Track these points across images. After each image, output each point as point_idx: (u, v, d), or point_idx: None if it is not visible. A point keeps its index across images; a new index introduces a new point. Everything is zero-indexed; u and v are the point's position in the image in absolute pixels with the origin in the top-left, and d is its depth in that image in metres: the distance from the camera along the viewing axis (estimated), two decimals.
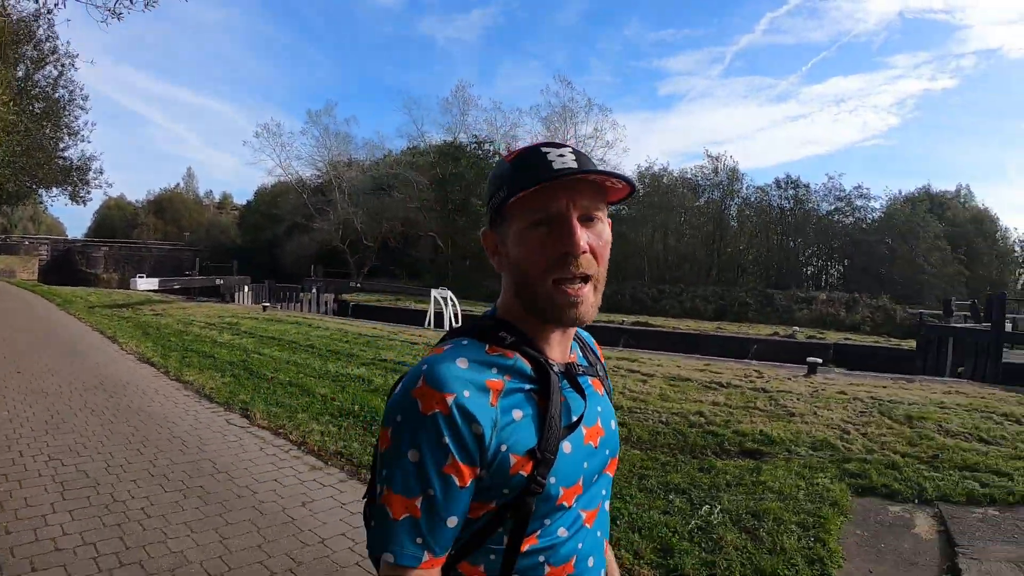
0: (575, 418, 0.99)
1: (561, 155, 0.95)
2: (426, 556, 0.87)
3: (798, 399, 7.87)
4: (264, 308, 20.41)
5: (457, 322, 17.28)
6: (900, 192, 48.71)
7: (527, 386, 0.96)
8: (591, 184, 0.96)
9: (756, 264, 45.76)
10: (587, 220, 0.96)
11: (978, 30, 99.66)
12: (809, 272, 46.44)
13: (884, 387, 9.12)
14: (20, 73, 20.16)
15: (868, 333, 27.28)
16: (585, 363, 1.14)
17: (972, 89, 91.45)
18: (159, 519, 4.07)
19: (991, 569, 3.65)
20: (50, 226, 77.95)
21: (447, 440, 0.85)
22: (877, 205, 45.75)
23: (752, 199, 47.44)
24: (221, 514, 4.20)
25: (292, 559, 3.59)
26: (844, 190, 45.64)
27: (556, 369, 0.99)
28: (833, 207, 45.96)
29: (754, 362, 12.62)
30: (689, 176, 47.39)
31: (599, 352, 1.27)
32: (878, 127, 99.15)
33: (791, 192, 46.78)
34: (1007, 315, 16.73)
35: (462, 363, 0.92)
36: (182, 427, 6.33)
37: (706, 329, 25.53)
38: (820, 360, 10.59)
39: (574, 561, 1.00)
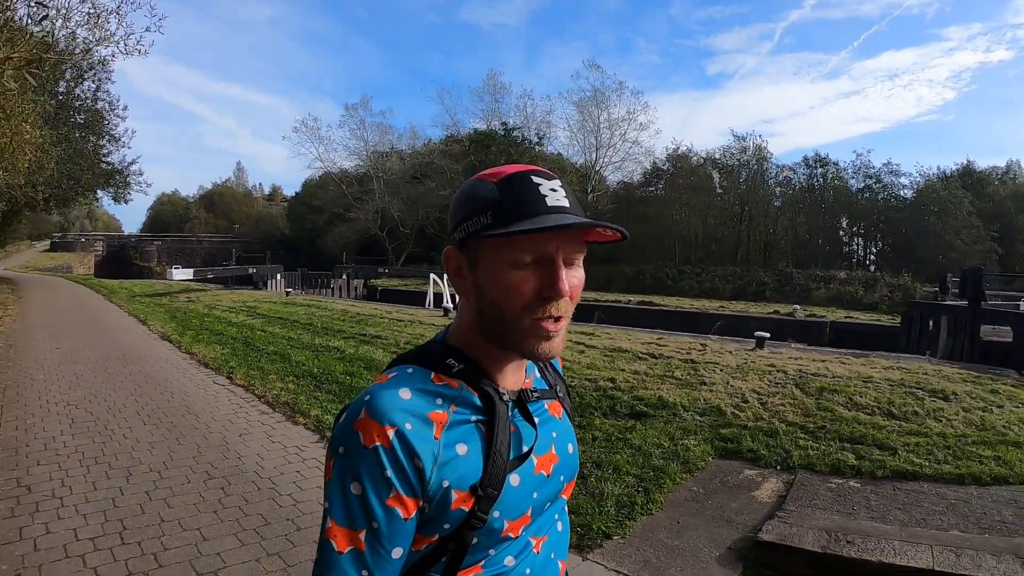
0: (525, 449, 0.97)
1: (553, 189, 0.91)
2: None
3: (720, 370, 8.24)
4: (287, 293, 22.32)
5: (454, 303, 18.58)
6: (938, 168, 48.33)
7: (474, 417, 0.93)
8: (577, 229, 0.91)
9: (783, 244, 46.01)
10: (568, 264, 0.92)
11: None
12: (838, 251, 46.08)
13: (823, 362, 9.10)
14: (62, 88, 22.34)
15: (885, 312, 27.22)
16: (543, 385, 1.11)
17: None
18: (132, 440, 5.65)
19: (792, 533, 3.66)
20: (107, 223, 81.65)
21: (389, 473, 0.84)
22: (906, 182, 45.45)
23: (780, 178, 47.74)
24: (177, 438, 5.75)
25: (212, 465, 5.10)
26: (874, 167, 45.40)
27: (506, 398, 0.97)
28: (863, 185, 45.79)
29: (713, 337, 12.89)
30: (718, 157, 47.83)
31: (560, 369, 1.24)
32: (933, 102, 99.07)
33: (819, 171, 46.88)
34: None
35: (405, 393, 0.90)
36: (175, 385, 7.96)
37: (708, 308, 26.27)
38: (768, 335, 11.29)
39: None
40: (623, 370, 8.27)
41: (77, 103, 25.26)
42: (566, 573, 1.13)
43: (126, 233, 72.87)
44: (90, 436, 5.74)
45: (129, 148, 34.36)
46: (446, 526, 0.90)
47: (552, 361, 1.18)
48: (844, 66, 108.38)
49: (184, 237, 62.28)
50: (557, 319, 0.92)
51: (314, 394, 7.36)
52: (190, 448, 5.48)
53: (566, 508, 1.15)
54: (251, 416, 6.58)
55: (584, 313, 20.15)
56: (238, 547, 3.66)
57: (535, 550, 1.02)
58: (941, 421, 6.13)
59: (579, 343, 10.41)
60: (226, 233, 66.46)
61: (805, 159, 47.53)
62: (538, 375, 1.12)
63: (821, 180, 46.60)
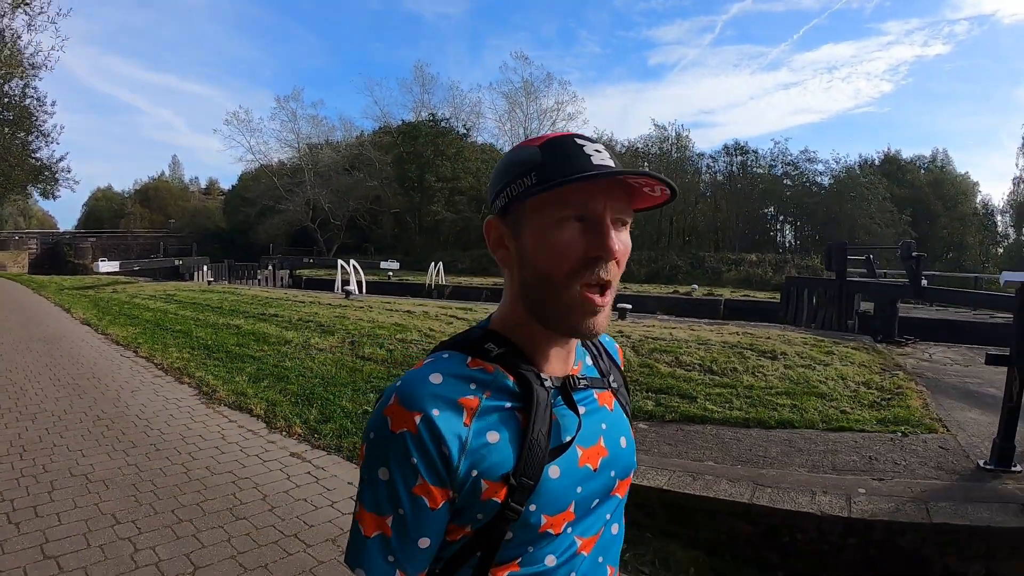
0: (567, 439, 0.91)
1: (598, 150, 0.88)
2: (398, 575, 0.85)
3: None
4: (209, 283, 23.48)
5: (361, 291, 19.79)
6: (860, 156, 51.22)
7: (509, 404, 0.89)
8: (625, 188, 0.88)
9: (702, 229, 48.37)
10: (617, 225, 0.88)
11: None
12: (763, 237, 48.61)
13: (672, 329, 9.96)
14: None
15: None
16: (594, 373, 1.06)
17: (966, 55, 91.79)
18: (42, 396, 7.01)
19: None
20: (41, 220, 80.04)
21: (415, 460, 0.82)
22: (822, 168, 48.04)
23: (701, 166, 50.01)
24: (79, 394, 7.13)
25: (103, 411, 6.52)
26: (791, 155, 47.84)
27: (548, 384, 0.92)
28: (781, 172, 48.12)
29: None
30: (639, 147, 49.83)
31: (620, 358, 1.19)
32: (871, 94, 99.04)
33: (739, 159, 49.25)
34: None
35: (436, 378, 0.87)
36: (86, 358, 9.30)
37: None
38: (630, 306, 12.78)
39: None
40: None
41: (5, 100, 25.84)
42: None
43: (61, 230, 71.70)
44: (6, 395, 7.06)
45: (58, 144, 34.76)
46: (479, 516, 0.86)
47: (610, 349, 1.16)
48: (784, 58, 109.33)
49: (118, 233, 61.81)
50: (603, 291, 0.88)
51: (204, 361, 8.75)
52: (88, 400, 6.87)
53: (623, 510, 1.08)
54: (145, 378, 7.96)
55: (498, 296, 21.50)
56: (107, 460, 5.03)
57: (582, 551, 0.96)
58: (756, 376, 6.89)
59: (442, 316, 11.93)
60: (161, 228, 66.15)
61: (725, 147, 50.01)
62: (589, 362, 1.07)
63: (740, 168, 49.01)
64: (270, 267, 34.54)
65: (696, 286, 27.55)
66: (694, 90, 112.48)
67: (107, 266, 27.65)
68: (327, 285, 26.95)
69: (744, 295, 26.58)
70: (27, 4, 20.08)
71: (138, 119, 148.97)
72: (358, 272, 20.07)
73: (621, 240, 0.88)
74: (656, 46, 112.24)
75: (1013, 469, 4.29)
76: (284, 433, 5.74)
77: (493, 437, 0.86)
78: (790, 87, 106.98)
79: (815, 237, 44.48)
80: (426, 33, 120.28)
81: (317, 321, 11.48)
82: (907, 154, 52.64)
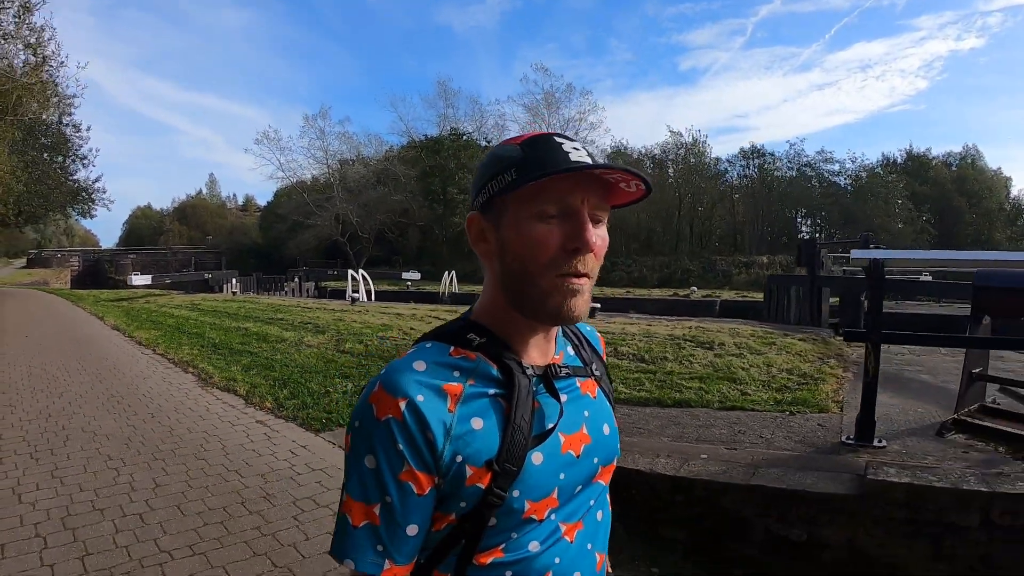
0: (549, 426, 0.93)
1: (576, 148, 0.91)
2: (387, 564, 0.86)
3: None
4: (234, 294, 25.18)
5: (370, 299, 21.22)
6: (882, 155, 51.75)
7: (492, 390, 0.91)
8: (602, 184, 0.91)
9: (719, 233, 49.04)
10: (594, 220, 0.91)
11: None
12: (782, 238, 48.50)
13: (629, 325, 10.28)
14: (27, 117, 25.17)
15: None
16: (576, 362, 1.08)
17: (1001, 48, 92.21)
18: (69, 382, 8.46)
19: None
20: (83, 238, 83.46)
21: (401, 446, 0.84)
22: (837, 168, 48.63)
23: (720, 170, 50.70)
24: (100, 380, 8.57)
25: (117, 392, 7.93)
26: (808, 156, 48.74)
27: (529, 372, 0.95)
28: (798, 174, 48.95)
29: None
30: (657, 154, 50.83)
31: (602, 348, 1.22)
32: (906, 91, 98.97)
33: (756, 162, 49.92)
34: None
35: (420, 366, 0.89)
36: (111, 354, 10.81)
37: (616, 294, 28.86)
38: (599, 305, 13.80)
39: None
40: None
41: (43, 127, 28.00)
42: (605, 566, 1.09)
43: (102, 247, 74.73)
44: (40, 380, 8.56)
45: (94, 166, 37.08)
46: (463, 504, 0.88)
47: (592, 339, 1.19)
48: (816, 59, 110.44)
49: (158, 249, 64.67)
50: (584, 278, 0.91)
51: (210, 356, 10.14)
52: (106, 384, 8.30)
53: (607, 497, 1.10)
54: (157, 369, 9.39)
55: None
56: (112, 423, 6.41)
57: (567, 537, 0.97)
58: (682, 363, 7.28)
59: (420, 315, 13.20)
60: (199, 244, 68.74)
61: (742, 151, 50.80)
62: (571, 352, 1.09)
63: (757, 171, 49.64)
64: (296, 279, 36.24)
65: (695, 288, 28.52)
66: (727, 94, 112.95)
67: (140, 279, 29.75)
68: (344, 294, 28.53)
69: (742, 295, 27.34)
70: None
71: (178, 138, 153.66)
72: (367, 281, 21.45)
73: (598, 234, 0.91)
74: (687, 51, 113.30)
75: (876, 444, 4.38)
76: (257, 407, 7.05)
77: (477, 423, 0.87)
78: (824, 88, 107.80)
79: (835, 237, 44.84)
80: (457, 46, 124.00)
81: (315, 323, 12.82)
82: (938, 151, 52.59)
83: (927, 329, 11.87)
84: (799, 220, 50.97)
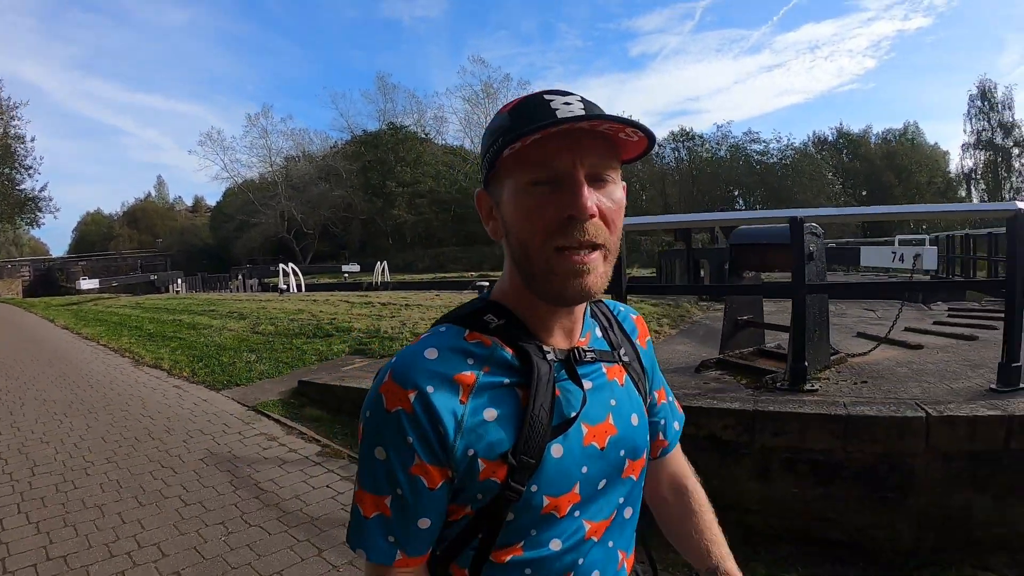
0: (570, 415, 0.88)
1: (567, 103, 0.83)
2: (399, 555, 0.85)
3: (407, 308, 13.05)
4: (177, 293, 26.87)
5: (300, 290, 23.00)
6: (813, 133, 54.23)
7: (508, 379, 0.87)
8: (601, 138, 0.83)
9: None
10: (596, 180, 0.83)
11: None
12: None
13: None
14: None
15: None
16: (603, 346, 1.01)
17: (947, 26, 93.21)
18: (23, 367, 10.32)
19: (326, 377, 8.66)
20: (33, 248, 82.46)
21: (411, 440, 0.81)
22: (761, 148, 50.62)
23: (653, 153, 52.41)
24: (51, 364, 10.43)
25: (64, 372, 9.82)
26: (736, 136, 50.88)
27: (550, 357, 0.89)
28: (725, 155, 51.02)
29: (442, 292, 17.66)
30: None
31: (638, 329, 1.13)
32: (854, 71, 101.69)
33: (686, 144, 52.02)
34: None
35: (431, 353, 0.86)
36: (60, 347, 12.67)
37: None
38: (487, 283, 15.68)
39: None
40: (349, 312, 12.90)
41: None
42: (634, 569, 1.05)
43: (53, 256, 74.65)
44: (2, 369, 10.37)
45: (39, 174, 37.91)
46: (479, 496, 0.84)
47: (623, 320, 1.11)
48: (765, 41, 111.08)
49: (108, 255, 65.05)
50: (591, 250, 0.83)
51: (144, 343, 12.04)
52: (56, 369, 10.18)
53: (639, 494, 1.03)
54: (99, 356, 11.29)
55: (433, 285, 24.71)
56: (60, 393, 8.31)
57: (591, 536, 0.92)
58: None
59: (368, 302, 15.04)
60: (150, 248, 69.23)
61: (672, 134, 52.73)
62: (599, 334, 1.02)
63: (687, 154, 51.77)
64: (240, 277, 37.76)
65: None
66: (678, 78, 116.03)
67: (89, 284, 31.22)
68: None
69: (652, 272, 29.37)
70: None
71: (125, 141, 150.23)
72: (297, 275, 23.33)
73: (607, 198, 0.84)
74: (637, 36, 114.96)
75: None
76: (176, 377, 9.01)
77: (490, 415, 0.84)
78: (773, 69, 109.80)
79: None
80: (406, 38, 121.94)
81: (240, 312, 14.71)
82: (879, 128, 55.02)
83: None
84: (736, 200, 52.94)
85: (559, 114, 0.80)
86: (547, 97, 0.84)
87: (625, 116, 0.80)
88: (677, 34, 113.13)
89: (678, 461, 1.23)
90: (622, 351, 1.03)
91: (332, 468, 5.00)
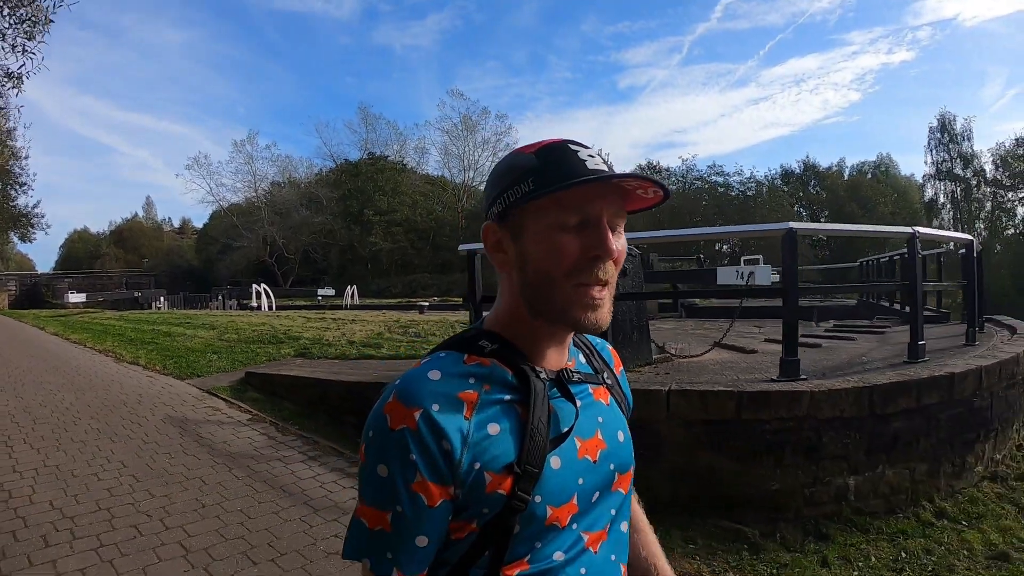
0: (565, 429, 0.93)
1: (591, 155, 0.90)
2: (395, 573, 0.86)
3: (352, 323, 15.08)
4: (158, 309, 28.85)
5: (271, 308, 24.96)
6: (780, 166, 56.36)
7: (507, 396, 0.91)
8: (619, 191, 0.91)
9: None
10: (612, 228, 0.91)
11: (932, 1, 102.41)
12: (692, 249, 52.45)
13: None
14: None
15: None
16: (588, 370, 1.08)
17: (930, 60, 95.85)
18: (19, 362, 12.30)
19: (278, 368, 11.43)
20: (20, 263, 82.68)
21: (414, 457, 0.83)
22: (722, 180, 53.32)
23: None
24: (44, 360, 12.43)
25: (55, 365, 11.82)
26: (699, 170, 53.22)
27: (543, 376, 0.95)
28: (691, 187, 53.27)
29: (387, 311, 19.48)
30: None
31: (614, 358, 1.22)
32: (839, 104, 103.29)
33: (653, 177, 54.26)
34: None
35: (434, 375, 0.89)
36: (51, 348, 14.68)
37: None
38: (428, 304, 17.70)
39: None
40: (304, 326, 14.83)
41: None
42: None
43: (39, 272, 75.49)
44: (1, 362, 12.35)
45: (33, 190, 39.17)
46: (485, 510, 0.87)
47: (602, 351, 1.19)
48: (751, 74, 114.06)
49: (95, 273, 66.03)
50: (603, 286, 0.90)
51: (125, 346, 14.00)
52: (50, 362, 12.17)
53: (629, 507, 1.09)
54: (85, 354, 13.29)
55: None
56: (54, 377, 10.31)
57: (590, 547, 0.96)
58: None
59: (322, 317, 17.12)
60: (136, 268, 70.39)
61: (639, 167, 55.11)
62: (582, 360, 1.09)
63: None
64: (220, 297, 39.51)
65: None
66: (665, 111, 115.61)
67: (76, 297, 33.11)
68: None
69: None
70: None
71: (115, 159, 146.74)
72: (269, 296, 25.35)
73: (618, 243, 0.90)
74: (625, 69, 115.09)
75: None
76: (149, 370, 11.00)
77: (494, 429, 0.87)
78: (759, 102, 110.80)
79: (736, 248, 49.11)
80: (397, 65, 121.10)
81: (211, 324, 16.65)
82: (854, 160, 57.55)
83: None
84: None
85: (588, 165, 0.87)
86: (573, 147, 0.90)
87: (646, 174, 0.91)
88: (665, 67, 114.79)
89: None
90: (604, 375, 1.09)
91: (256, 428, 6.91)
